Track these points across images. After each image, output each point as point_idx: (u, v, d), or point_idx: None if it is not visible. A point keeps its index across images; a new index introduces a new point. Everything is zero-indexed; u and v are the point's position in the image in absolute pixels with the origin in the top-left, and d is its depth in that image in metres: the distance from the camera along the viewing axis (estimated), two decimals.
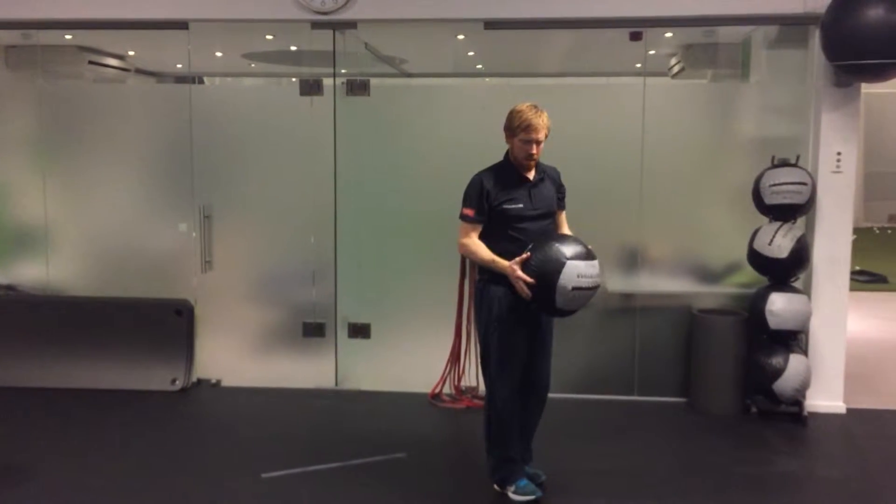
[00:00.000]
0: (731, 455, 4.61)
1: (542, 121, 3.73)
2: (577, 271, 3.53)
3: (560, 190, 3.99)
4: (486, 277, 3.86)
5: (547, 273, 3.54)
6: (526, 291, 3.60)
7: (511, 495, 3.88)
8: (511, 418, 3.88)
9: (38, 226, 5.88)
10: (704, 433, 4.96)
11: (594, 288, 3.61)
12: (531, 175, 3.86)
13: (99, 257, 5.89)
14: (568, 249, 3.58)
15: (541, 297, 3.60)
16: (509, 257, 3.68)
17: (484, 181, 3.83)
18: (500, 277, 3.74)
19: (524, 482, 3.88)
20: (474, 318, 4.08)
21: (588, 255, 3.60)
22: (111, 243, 5.87)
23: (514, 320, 3.79)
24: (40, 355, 5.74)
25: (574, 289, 3.53)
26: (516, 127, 3.75)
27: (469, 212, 3.83)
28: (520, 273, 3.59)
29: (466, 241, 3.84)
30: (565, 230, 4.00)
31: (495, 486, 3.98)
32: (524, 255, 3.61)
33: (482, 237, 3.85)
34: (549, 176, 3.94)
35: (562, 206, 4.02)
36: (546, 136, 3.79)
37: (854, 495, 4.10)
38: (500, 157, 5.46)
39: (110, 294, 5.82)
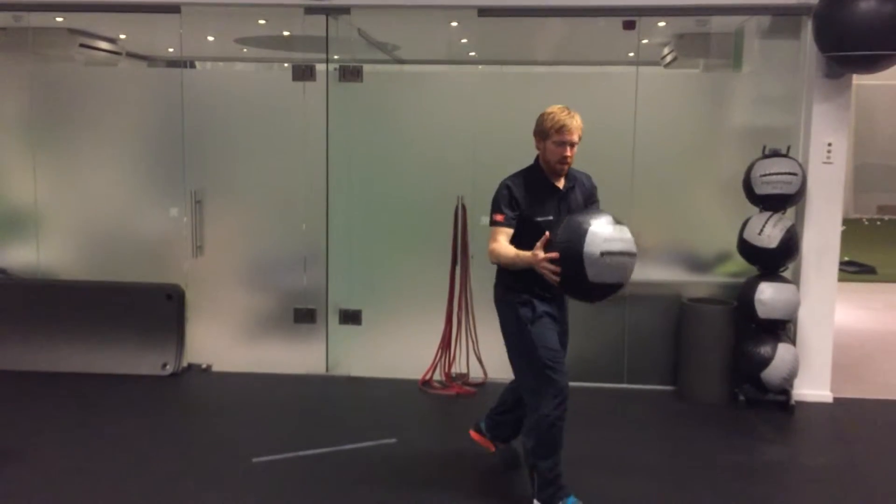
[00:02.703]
0: (718, 443, 4.65)
1: (575, 122, 3.57)
2: (603, 235, 3.29)
3: (591, 198, 3.79)
4: (499, 293, 3.75)
5: (571, 244, 3.29)
6: (553, 275, 3.34)
7: None
8: (561, 425, 3.59)
9: (27, 209, 5.85)
10: (692, 421, 5.00)
11: (628, 254, 3.36)
12: (561, 183, 3.69)
13: (89, 241, 5.88)
14: (589, 217, 3.36)
15: (569, 275, 3.32)
16: (537, 273, 3.45)
17: (513, 188, 3.63)
18: (514, 287, 3.65)
19: (572, 499, 3.60)
20: (503, 335, 3.79)
21: (614, 221, 3.38)
22: (102, 227, 5.85)
23: (541, 320, 3.63)
24: (30, 339, 5.73)
25: (604, 254, 3.26)
26: (549, 129, 3.58)
27: (499, 217, 3.61)
28: (542, 255, 3.35)
29: (494, 245, 3.59)
30: None
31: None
32: (544, 237, 3.40)
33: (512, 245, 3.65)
34: (579, 184, 3.75)
35: None
36: (580, 139, 3.61)
37: (839, 483, 4.14)
38: (493, 146, 5.49)
39: (101, 278, 5.81)
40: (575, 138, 3.59)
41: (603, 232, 3.31)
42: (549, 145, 3.61)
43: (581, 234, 3.30)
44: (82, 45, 6.22)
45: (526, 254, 3.46)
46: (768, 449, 4.59)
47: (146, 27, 6.09)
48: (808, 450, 4.67)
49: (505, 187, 3.66)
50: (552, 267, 3.34)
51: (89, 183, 5.84)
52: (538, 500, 3.65)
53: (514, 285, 3.68)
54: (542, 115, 3.65)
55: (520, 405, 3.89)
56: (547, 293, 3.66)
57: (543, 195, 3.66)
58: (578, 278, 3.33)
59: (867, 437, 4.79)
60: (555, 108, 3.62)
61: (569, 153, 3.59)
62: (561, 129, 3.56)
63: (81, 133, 5.80)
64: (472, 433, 4.29)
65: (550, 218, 3.60)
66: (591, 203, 3.78)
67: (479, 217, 5.55)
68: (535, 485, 3.68)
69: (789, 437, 4.85)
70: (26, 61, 5.86)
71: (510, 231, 3.61)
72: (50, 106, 5.80)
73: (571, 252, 3.30)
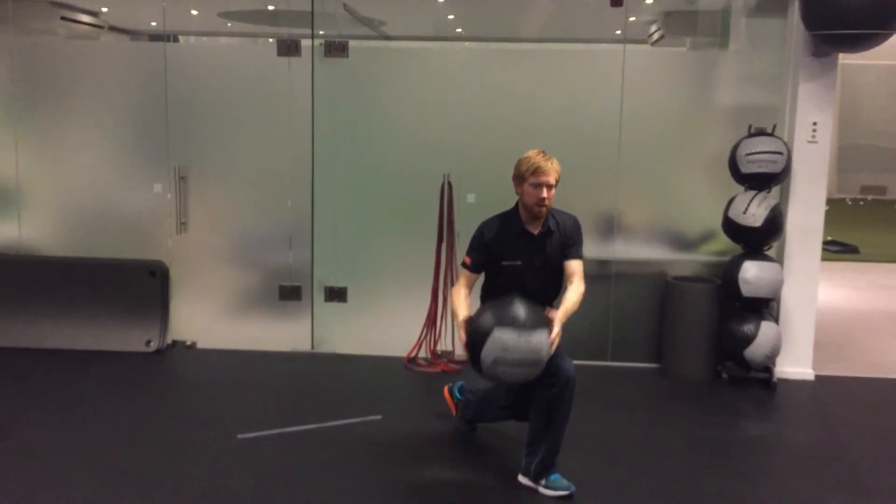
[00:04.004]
0: (701, 420, 4.69)
1: (551, 165, 3.63)
2: (501, 344, 3.30)
3: (570, 242, 3.77)
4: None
5: (474, 337, 3.40)
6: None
7: (544, 491, 3.67)
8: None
9: (9, 184, 5.79)
10: (676, 398, 5.04)
11: (524, 364, 3.33)
12: (536, 229, 3.74)
13: (72, 217, 5.82)
14: (503, 315, 3.34)
15: (473, 360, 3.43)
16: (518, 287, 3.65)
17: (485, 232, 3.76)
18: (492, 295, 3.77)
19: (556, 476, 3.68)
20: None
21: (525, 325, 3.31)
22: (84, 203, 5.80)
23: None
24: (12, 316, 5.70)
25: (496, 362, 3.31)
26: (525, 172, 3.65)
27: (467, 259, 3.79)
28: (462, 332, 3.50)
29: (455, 288, 3.78)
30: (574, 283, 3.71)
31: (523, 480, 3.77)
32: (468, 315, 3.53)
33: (487, 287, 3.84)
34: (561, 229, 3.77)
35: (575, 256, 3.77)
36: (557, 182, 3.67)
37: (820, 459, 4.19)
38: (479, 123, 5.48)
39: (84, 255, 5.77)
40: (551, 180, 3.65)
41: (503, 340, 3.30)
42: (526, 188, 3.69)
43: (483, 335, 3.35)
44: (63, 19, 6.13)
45: (458, 316, 3.59)
46: (751, 426, 4.63)
47: (128, 0, 6.01)
48: (790, 426, 4.72)
49: (479, 231, 3.80)
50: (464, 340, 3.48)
51: (72, 158, 5.77)
52: (531, 476, 3.74)
53: (492, 294, 3.78)
54: (519, 160, 3.73)
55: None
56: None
57: (515, 239, 3.75)
58: (476, 367, 3.44)
59: (848, 415, 4.84)
60: (531, 152, 3.71)
61: (545, 195, 3.65)
62: (536, 170, 3.63)
63: (63, 108, 5.73)
64: (445, 391, 4.49)
65: (518, 263, 3.72)
66: (568, 247, 3.78)
67: (465, 194, 5.54)
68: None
69: (771, 414, 4.89)
70: (7, 34, 5.77)
71: (472, 276, 3.80)
72: (31, 80, 5.72)
73: (472, 344, 3.41)
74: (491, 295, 3.76)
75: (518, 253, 3.74)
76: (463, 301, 3.68)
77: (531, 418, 3.74)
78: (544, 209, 3.71)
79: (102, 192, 5.78)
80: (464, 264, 3.82)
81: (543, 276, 3.78)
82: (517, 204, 3.80)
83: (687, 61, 5.78)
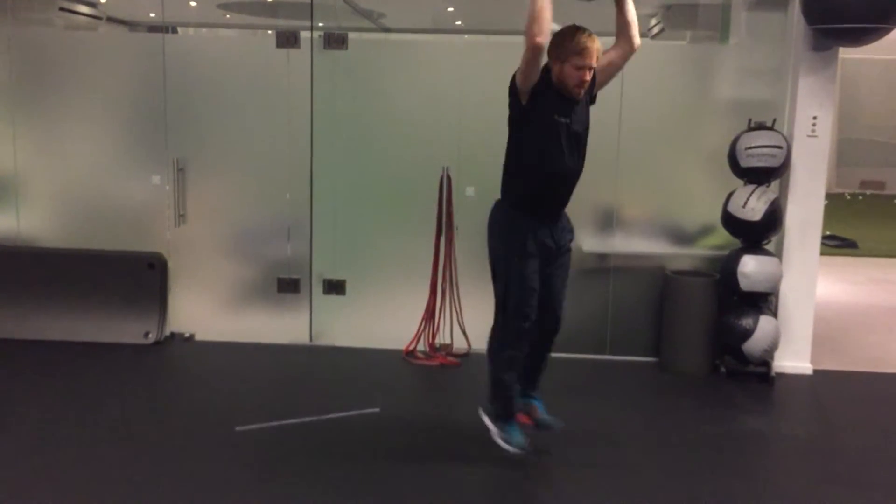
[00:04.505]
0: (699, 414, 4.69)
1: (596, 45, 3.40)
2: None
3: (593, 83, 3.62)
4: (499, 211, 3.69)
5: None
6: None
7: (497, 439, 3.77)
8: (520, 353, 3.75)
9: (7, 176, 5.77)
10: (674, 392, 5.04)
11: None
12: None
13: (70, 209, 5.81)
14: None
15: None
16: (537, 194, 3.58)
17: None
18: (520, 206, 3.63)
19: (518, 435, 3.76)
20: (487, 242, 3.77)
21: None
22: (83, 195, 5.78)
23: (535, 252, 3.62)
24: (11, 307, 5.69)
25: None
26: (569, 50, 3.40)
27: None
28: None
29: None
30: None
31: (485, 418, 3.87)
32: None
33: (511, 158, 3.63)
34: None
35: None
36: (597, 62, 3.47)
37: (818, 453, 4.20)
38: (478, 116, 5.46)
39: (82, 246, 5.76)
40: (594, 62, 3.47)
41: None
42: (567, 68, 3.45)
43: None
44: (62, 9, 6.12)
45: None
46: (749, 419, 4.63)
47: None
48: (788, 420, 4.72)
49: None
50: None
51: (70, 150, 5.76)
52: (485, 411, 3.85)
53: (520, 204, 3.64)
54: (561, 34, 3.45)
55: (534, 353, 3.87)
56: (551, 214, 3.68)
57: (559, 100, 3.54)
58: None
59: (846, 409, 4.84)
60: (574, 28, 3.47)
61: (588, 78, 3.47)
62: (583, 52, 3.41)
63: (62, 99, 5.71)
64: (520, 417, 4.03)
65: (566, 121, 3.51)
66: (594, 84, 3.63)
67: (464, 187, 5.53)
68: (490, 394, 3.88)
69: (769, 408, 4.90)
70: (5, 25, 5.74)
71: None
72: (29, 71, 5.70)
73: None
74: (521, 172, 3.59)
75: (566, 111, 3.51)
76: None
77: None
78: (583, 91, 3.54)
79: (101, 183, 5.77)
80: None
81: (577, 149, 3.63)
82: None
83: (686, 55, 5.77)
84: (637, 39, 3.68)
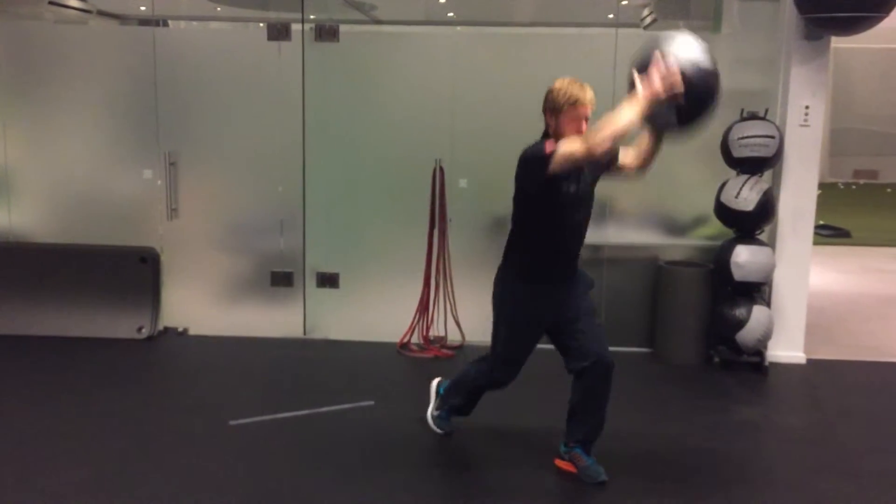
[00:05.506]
0: (693, 403, 4.70)
1: (588, 95, 3.46)
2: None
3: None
4: (521, 273, 3.64)
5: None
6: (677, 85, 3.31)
7: (430, 414, 4.16)
8: (483, 390, 3.99)
9: None
10: (668, 382, 5.05)
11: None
12: None
13: (62, 204, 5.79)
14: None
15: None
16: (551, 259, 3.59)
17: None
18: (526, 272, 3.61)
19: (447, 425, 4.12)
20: (492, 303, 3.77)
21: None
22: (75, 190, 5.76)
23: (533, 320, 3.68)
24: (2, 302, 5.66)
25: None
26: (562, 104, 3.44)
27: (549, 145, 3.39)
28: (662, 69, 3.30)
29: (573, 140, 3.33)
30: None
31: (433, 391, 4.21)
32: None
33: (521, 229, 3.61)
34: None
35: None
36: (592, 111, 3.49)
37: (811, 441, 4.21)
38: (471, 108, 5.45)
39: (74, 241, 5.74)
40: (589, 111, 3.48)
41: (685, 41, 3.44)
42: (564, 121, 3.46)
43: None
44: (52, 3, 6.08)
45: (627, 110, 3.22)
46: (742, 409, 4.65)
47: None
48: (782, 410, 4.73)
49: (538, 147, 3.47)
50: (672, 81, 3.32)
51: (61, 144, 5.73)
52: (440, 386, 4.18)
53: (532, 278, 3.62)
54: (553, 91, 3.49)
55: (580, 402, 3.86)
56: (568, 267, 3.67)
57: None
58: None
59: (839, 398, 4.86)
60: (564, 83, 3.49)
61: (584, 128, 3.47)
62: (576, 103, 3.44)
63: (52, 93, 5.68)
64: (557, 462, 3.92)
65: (573, 188, 3.49)
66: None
67: (457, 180, 5.52)
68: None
69: (763, 397, 4.91)
70: None
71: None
72: (19, 65, 5.67)
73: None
74: (533, 242, 3.57)
75: (570, 177, 3.47)
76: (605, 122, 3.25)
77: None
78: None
79: (92, 178, 5.74)
80: (550, 150, 3.35)
81: (587, 203, 3.63)
82: (545, 134, 3.56)
83: None
84: (649, 169, 3.78)
